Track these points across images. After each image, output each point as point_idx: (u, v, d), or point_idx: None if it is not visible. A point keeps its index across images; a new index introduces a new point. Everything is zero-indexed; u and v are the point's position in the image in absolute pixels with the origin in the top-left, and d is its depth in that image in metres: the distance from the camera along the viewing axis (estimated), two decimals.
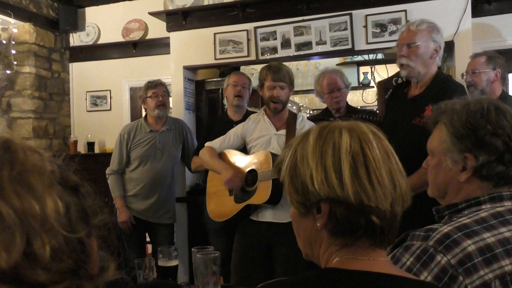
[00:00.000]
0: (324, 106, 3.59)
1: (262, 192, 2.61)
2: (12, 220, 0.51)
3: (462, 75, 3.11)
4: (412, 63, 2.37)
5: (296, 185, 0.89)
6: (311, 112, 6.18)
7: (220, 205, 2.83)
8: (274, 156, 2.60)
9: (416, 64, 2.37)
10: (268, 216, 2.66)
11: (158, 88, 3.52)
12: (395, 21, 3.64)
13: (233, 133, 2.83)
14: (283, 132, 2.71)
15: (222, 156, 2.84)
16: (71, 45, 5.15)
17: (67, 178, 0.60)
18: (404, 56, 2.38)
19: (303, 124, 2.74)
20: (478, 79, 2.95)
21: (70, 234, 0.55)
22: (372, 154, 0.85)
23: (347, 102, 3.42)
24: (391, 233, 0.88)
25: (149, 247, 4.22)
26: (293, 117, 2.76)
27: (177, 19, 4.26)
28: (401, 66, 2.41)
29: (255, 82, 3.45)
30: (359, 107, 4.88)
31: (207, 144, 2.88)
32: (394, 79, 3.83)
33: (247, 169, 2.71)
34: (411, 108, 2.40)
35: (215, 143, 2.84)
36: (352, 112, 3.19)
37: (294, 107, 6.09)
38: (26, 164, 0.56)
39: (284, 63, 3.70)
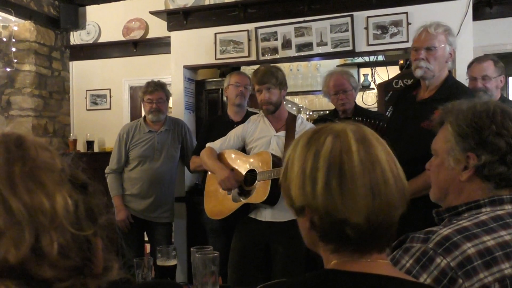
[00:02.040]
0: (329, 106, 3.58)
1: (260, 192, 2.62)
2: (22, 216, 0.52)
3: (468, 79, 3.04)
4: (431, 66, 2.37)
5: (285, 189, 0.91)
6: (311, 113, 6.18)
7: (218, 203, 2.84)
8: (274, 157, 2.62)
9: (434, 67, 2.38)
10: (267, 215, 2.67)
11: (154, 95, 3.48)
12: (396, 23, 3.64)
13: (234, 134, 2.86)
14: (282, 133, 2.73)
15: (222, 156, 2.85)
16: (71, 44, 5.15)
17: (77, 176, 0.60)
18: (422, 59, 2.38)
19: (303, 126, 2.74)
20: (490, 85, 2.90)
21: (78, 232, 0.56)
22: (349, 165, 0.83)
23: (355, 103, 3.36)
24: (379, 241, 0.86)
25: (147, 246, 4.22)
26: (292, 118, 2.78)
27: (178, 19, 4.26)
28: (418, 67, 2.41)
29: None
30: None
31: (208, 145, 2.90)
32: (395, 81, 3.83)
33: (247, 169, 2.73)
34: (421, 111, 2.39)
35: (216, 144, 2.87)
36: (359, 114, 3.13)
37: (294, 108, 6.09)
38: (37, 161, 0.56)
39: (285, 63, 3.70)
